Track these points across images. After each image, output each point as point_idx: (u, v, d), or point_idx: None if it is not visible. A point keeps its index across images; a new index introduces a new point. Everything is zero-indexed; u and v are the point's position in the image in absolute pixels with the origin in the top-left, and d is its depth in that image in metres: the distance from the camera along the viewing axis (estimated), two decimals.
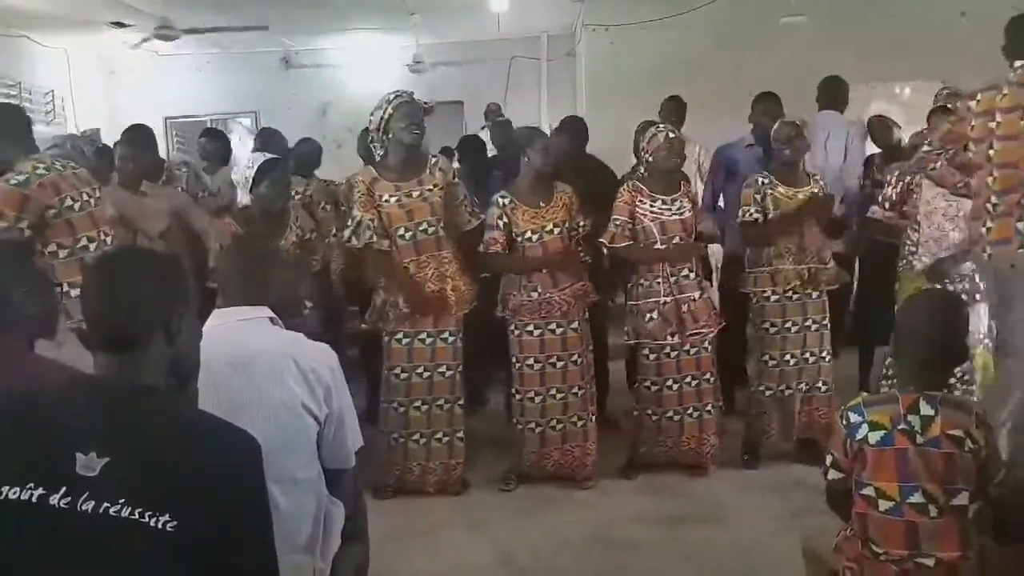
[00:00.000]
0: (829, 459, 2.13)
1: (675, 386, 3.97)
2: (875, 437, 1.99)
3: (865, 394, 2.23)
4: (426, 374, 3.84)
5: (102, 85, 9.56)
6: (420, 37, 8.95)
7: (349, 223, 3.81)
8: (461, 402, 3.91)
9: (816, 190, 4.08)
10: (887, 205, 4.06)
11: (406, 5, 7.51)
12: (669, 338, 3.91)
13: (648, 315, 3.92)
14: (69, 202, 3.18)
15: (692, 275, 3.95)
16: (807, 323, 4.05)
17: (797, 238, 4.02)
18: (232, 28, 8.02)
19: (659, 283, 3.91)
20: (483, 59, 9.32)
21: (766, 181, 4.08)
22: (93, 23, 7.69)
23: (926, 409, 1.99)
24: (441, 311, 3.79)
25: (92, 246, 3.24)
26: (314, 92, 9.61)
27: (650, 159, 3.97)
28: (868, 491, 2.01)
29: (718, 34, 7.41)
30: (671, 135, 3.95)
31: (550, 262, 3.86)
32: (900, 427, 1.98)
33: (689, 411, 3.99)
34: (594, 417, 3.98)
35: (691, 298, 3.91)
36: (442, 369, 3.84)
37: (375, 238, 3.72)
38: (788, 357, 4.07)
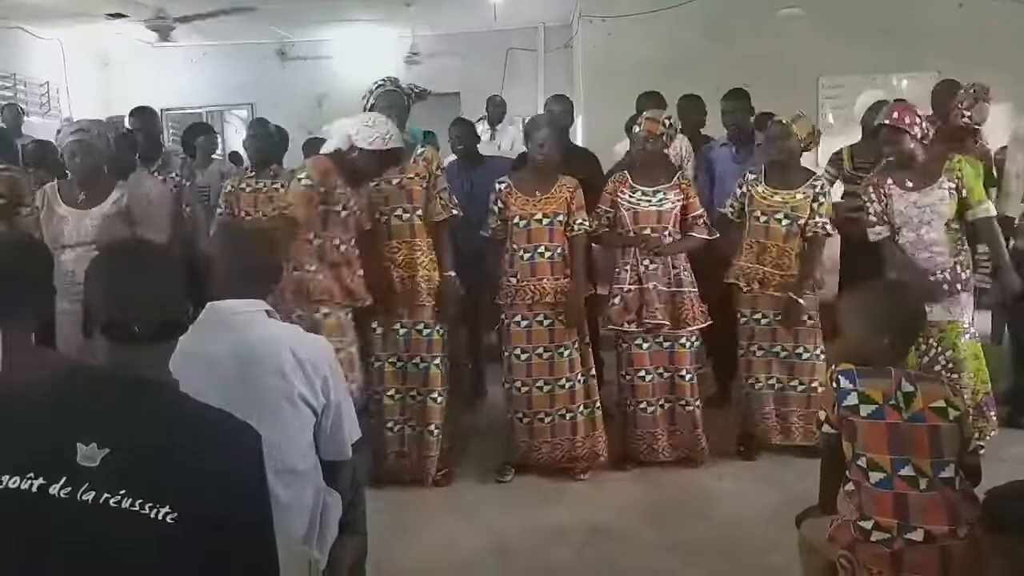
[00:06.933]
0: (823, 414, 2.21)
1: (648, 377, 3.95)
2: (866, 410, 2.08)
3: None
4: (399, 364, 3.84)
5: (97, 77, 9.53)
6: (416, 28, 8.95)
7: None
8: (434, 395, 3.83)
9: (802, 196, 3.95)
10: (884, 218, 3.88)
11: None
12: (627, 325, 3.90)
13: (612, 302, 3.94)
14: None
15: (664, 267, 3.89)
16: (779, 317, 4.00)
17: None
18: (222, 11, 7.95)
19: (627, 271, 3.93)
20: (480, 50, 9.29)
21: (752, 178, 4.07)
22: (88, 14, 7.66)
23: (906, 386, 2.09)
24: (411, 300, 3.76)
25: None
26: (310, 84, 9.59)
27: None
28: (861, 462, 2.08)
29: (715, 25, 7.42)
30: (640, 124, 3.95)
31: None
32: (891, 402, 2.07)
33: (661, 402, 3.97)
34: (595, 409, 3.95)
35: (652, 287, 3.87)
36: (416, 360, 3.83)
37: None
38: (755, 348, 4.07)
